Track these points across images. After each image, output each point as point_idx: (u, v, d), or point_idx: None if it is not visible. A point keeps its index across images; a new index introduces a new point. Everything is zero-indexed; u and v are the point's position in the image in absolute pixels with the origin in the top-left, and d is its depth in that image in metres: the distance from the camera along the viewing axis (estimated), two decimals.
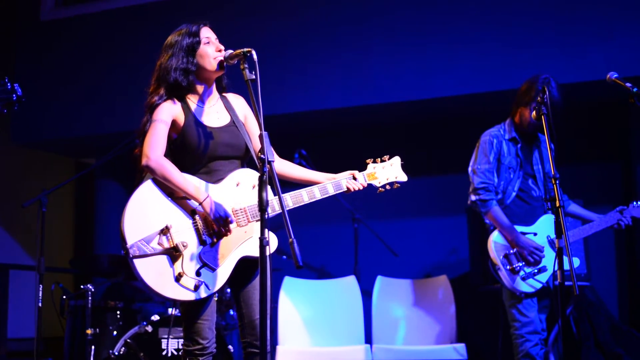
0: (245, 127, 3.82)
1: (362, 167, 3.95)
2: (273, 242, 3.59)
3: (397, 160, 3.99)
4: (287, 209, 3.53)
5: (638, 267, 6.97)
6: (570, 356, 4.16)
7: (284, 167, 3.91)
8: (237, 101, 3.89)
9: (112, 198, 8.39)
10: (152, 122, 3.62)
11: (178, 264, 3.48)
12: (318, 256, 7.84)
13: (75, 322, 5.98)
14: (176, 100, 3.70)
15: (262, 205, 3.15)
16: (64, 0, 8.54)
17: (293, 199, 3.70)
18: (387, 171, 3.96)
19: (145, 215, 3.51)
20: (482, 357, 7.09)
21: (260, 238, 3.15)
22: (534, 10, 6.64)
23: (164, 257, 3.48)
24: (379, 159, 3.96)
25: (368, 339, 6.74)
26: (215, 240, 3.56)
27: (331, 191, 3.79)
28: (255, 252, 3.56)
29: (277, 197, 3.49)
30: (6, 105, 3.80)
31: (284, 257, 7.10)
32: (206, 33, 3.73)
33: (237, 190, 3.66)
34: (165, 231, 3.49)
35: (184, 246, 3.49)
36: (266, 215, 3.17)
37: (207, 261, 3.52)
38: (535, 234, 4.90)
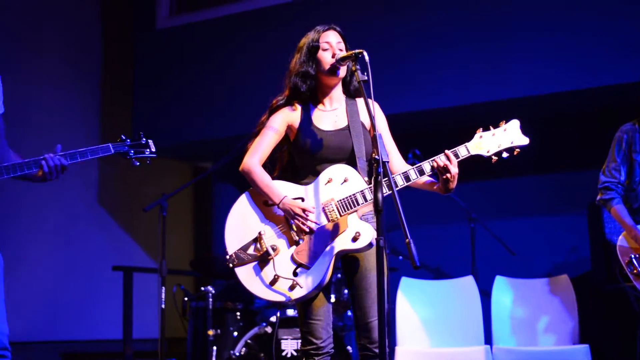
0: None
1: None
2: (368, 233, 3.54)
3: (513, 124, 3.59)
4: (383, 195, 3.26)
5: None
6: None
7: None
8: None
9: (229, 201, 8.46)
10: (264, 128, 3.74)
11: (271, 267, 3.56)
12: (435, 256, 7.77)
13: (197, 323, 6.10)
14: (296, 105, 3.76)
15: (378, 206, 3.11)
16: (178, 8, 8.76)
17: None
18: (499, 137, 3.57)
19: (242, 225, 3.69)
20: (607, 358, 6.87)
21: (377, 239, 3.12)
22: (576, 12, 6.49)
23: (262, 263, 3.60)
24: (491, 126, 3.61)
25: (487, 340, 6.64)
26: (304, 238, 3.58)
27: (413, 176, 3.57)
28: (351, 246, 3.56)
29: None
30: (139, 159, 3.92)
31: (401, 257, 7.06)
32: (327, 38, 3.71)
33: (327, 187, 3.63)
34: (258, 238, 3.62)
35: (273, 250, 3.58)
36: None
37: (301, 261, 3.55)
38: None
